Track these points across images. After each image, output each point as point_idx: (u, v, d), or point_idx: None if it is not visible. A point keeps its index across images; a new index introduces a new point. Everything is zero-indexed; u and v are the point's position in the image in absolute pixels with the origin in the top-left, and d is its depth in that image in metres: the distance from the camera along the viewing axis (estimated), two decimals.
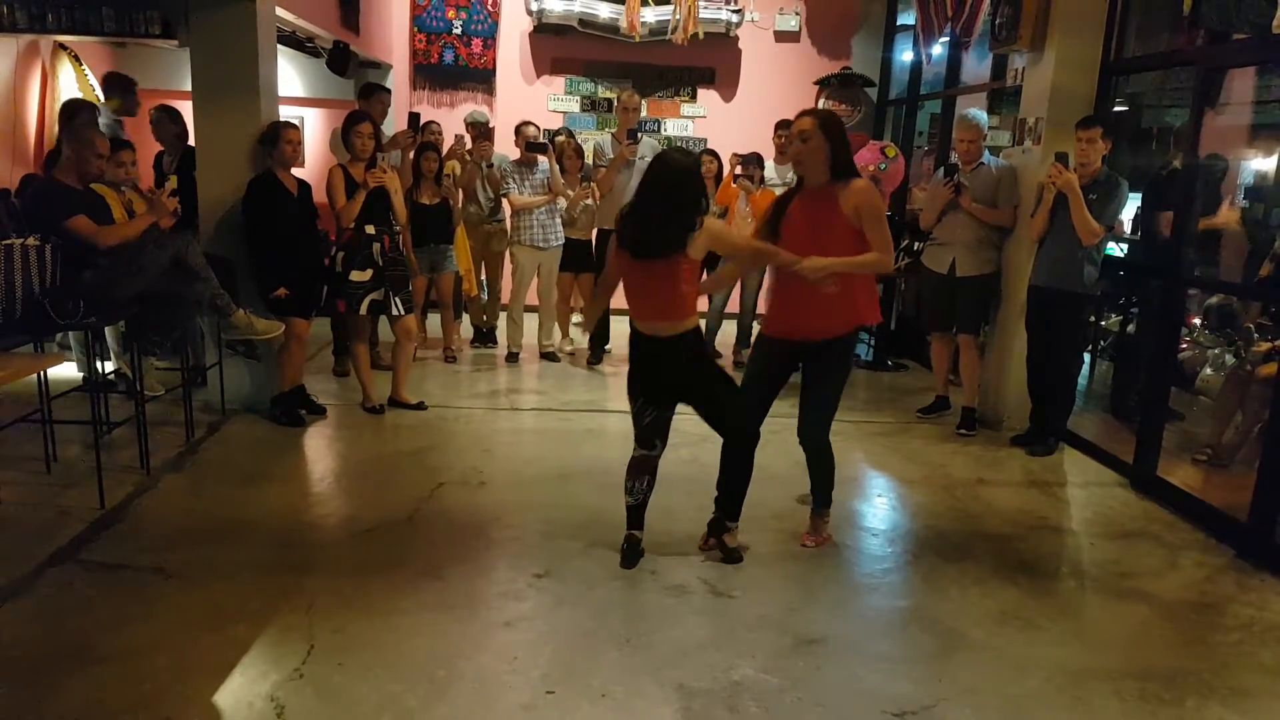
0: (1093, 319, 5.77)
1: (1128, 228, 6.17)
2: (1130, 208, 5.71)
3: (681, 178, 3.09)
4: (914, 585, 3.39)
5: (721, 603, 3.15)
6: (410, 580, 3.19)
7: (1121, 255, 5.64)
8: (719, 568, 3.38)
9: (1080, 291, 4.66)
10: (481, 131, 6.44)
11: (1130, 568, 3.59)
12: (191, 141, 5.33)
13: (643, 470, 3.40)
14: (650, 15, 7.43)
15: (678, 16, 7.39)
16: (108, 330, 4.76)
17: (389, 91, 6.02)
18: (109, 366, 5.00)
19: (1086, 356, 5.95)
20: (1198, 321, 5.88)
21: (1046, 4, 4.89)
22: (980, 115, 5.18)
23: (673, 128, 8.27)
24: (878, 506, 4.19)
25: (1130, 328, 6.00)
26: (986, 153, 5.18)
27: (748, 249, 3.41)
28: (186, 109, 4.83)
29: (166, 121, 5.48)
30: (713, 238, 3.14)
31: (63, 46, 6.61)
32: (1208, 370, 5.50)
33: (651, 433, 3.35)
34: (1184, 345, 5.52)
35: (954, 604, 3.21)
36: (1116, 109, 5.36)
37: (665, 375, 3.25)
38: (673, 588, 3.23)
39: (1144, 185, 5.48)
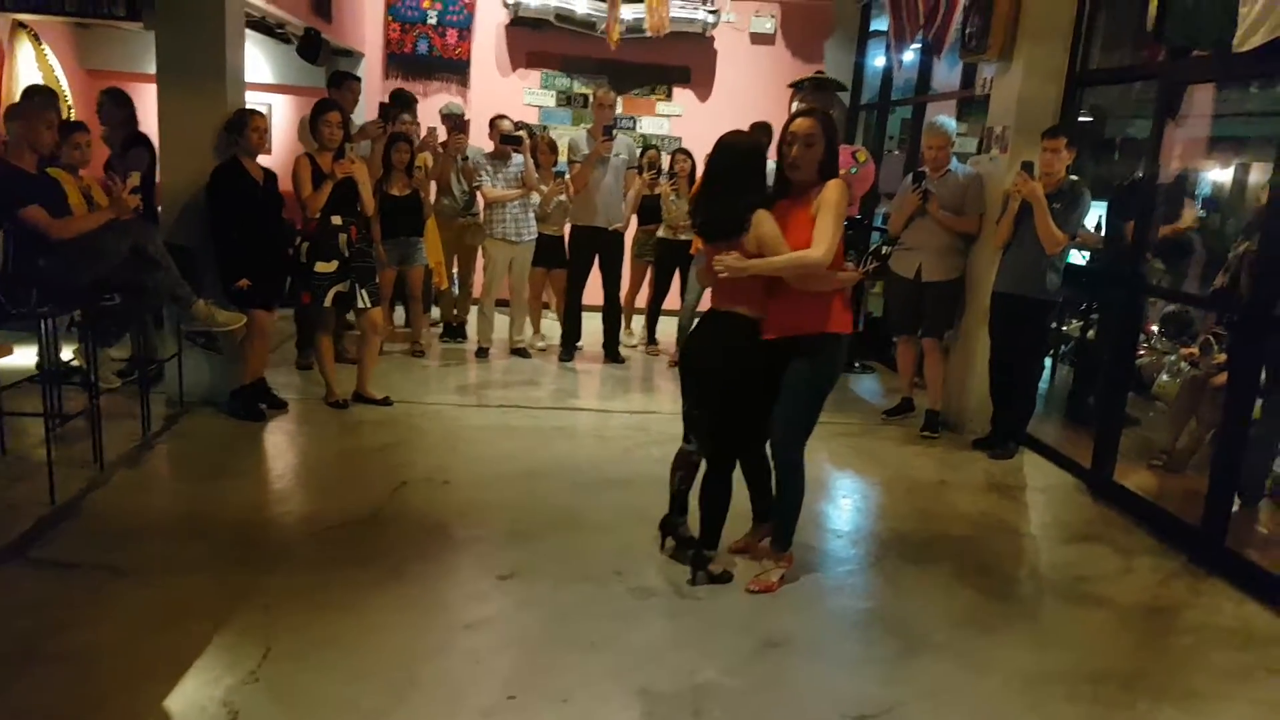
0: (1054, 325, 5.86)
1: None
2: (1094, 216, 5.80)
3: (736, 159, 3.09)
4: (877, 587, 3.42)
5: (686, 604, 3.15)
6: (372, 580, 3.15)
7: (1084, 263, 5.71)
8: (685, 569, 3.34)
9: (1042, 298, 4.73)
10: (457, 124, 6.39)
11: (1086, 571, 3.65)
12: (144, 128, 5.21)
13: (679, 464, 3.37)
14: (627, 13, 7.40)
15: (645, 14, 7.36)
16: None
17: (359, 80, 5.95)
18: (66, 355, 4.89)
19: (1048, 362, 6.05)
20: (1155, 329, 6.01)
21: (1016, 15, 4.95)
22: (949, 123, 5.23)
23: (648, 125, 8.26)
24: (842, 508, 4.22)
25: (1090, 333, 6.10)
26: (954, 160, 5.23)
27: (798, 259, 3.03)
28: (151, 92, 4.72)
29: (110, 105, 5.34)
30: (763, 240, 3.01)
31: (21, 25, 6.44)
32: (1164, 376, 5.63)
33: (689, 424, 3.33)
34: (1141, 352, 5.63)
35: (916, 606, 3.25)
36: (1081, 119, 5.44)
37: (695, 341, 3.25)
38: (638, 589, 3.22)
39: (1110, 196, 5.56)
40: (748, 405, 3.19)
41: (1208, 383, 4.69)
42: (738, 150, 3.11)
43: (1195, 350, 4.98)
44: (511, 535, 3.60)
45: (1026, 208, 4.64)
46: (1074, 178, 4.76)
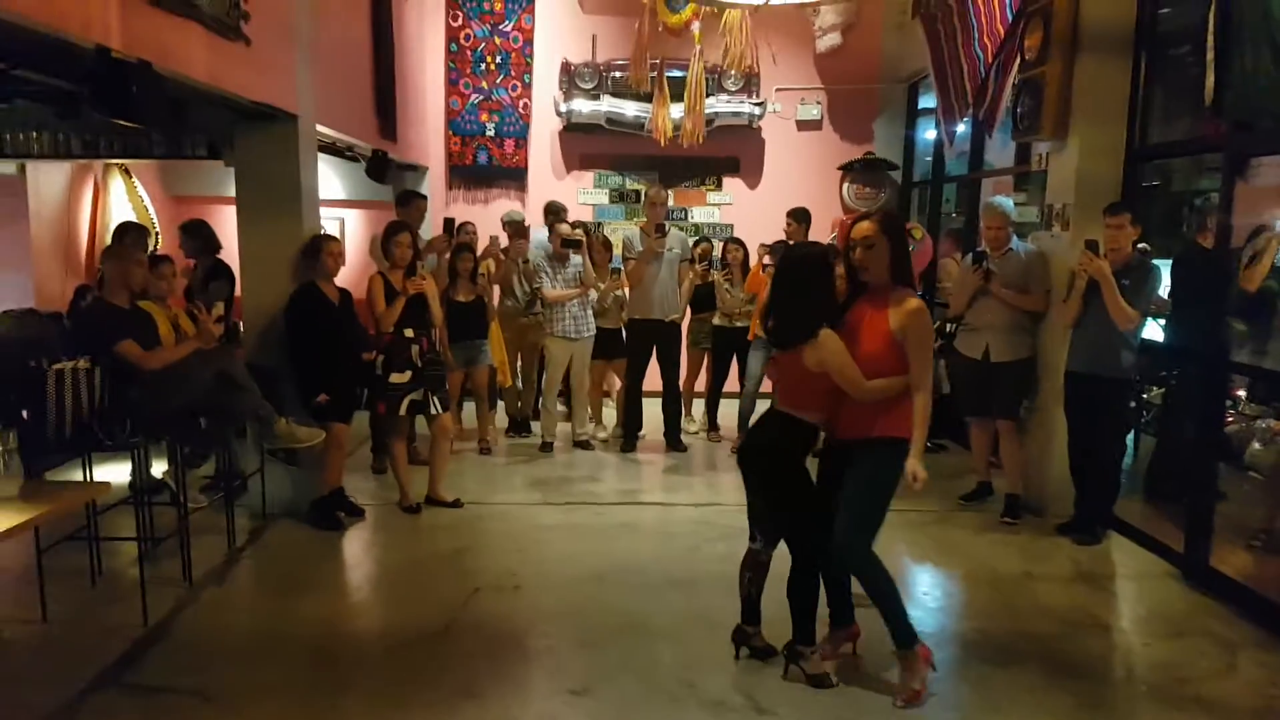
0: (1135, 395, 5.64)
1: None
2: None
3: (797, 268, 3.24)
4: (964, 696, 3.27)
5: None
6: (446, 700, 3.16)
7: (1161, 335, 5.48)
8: (761, 679, 3.29)
9: (1119, 377, 4.60)
10: (518, 230, 6.62)
11: (1187, 671, 3.44)
12: (226, 249, 5.50)
13: (745, 564, 3.39)
14: (675, 111, 7.62)
15: (680, 118, 7.50)
16: None
17: (425, 198, 6.25)
18: (156, 471, 5.10)
19: (1130, 436, 5.81)
20: (1243, 394, 5.73)
21: (1067, 94, 4.94)
22: (1006, 203, 5.21)
23: (699, 215, 8.41)
24: (924, 605, 4.07)
25: (1173, 400, 5.84)
26: (1014, 238, 5.18)
27: (859, 387, 3.09)
28: (233, 214, 5.02)
29: (187, 240, 5.67)
30: (825, 363, 3.07)
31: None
32: (1256, 445, 5.32)
33: (753, 520, 3.38)
34: (1230, 419, 5.35)
35: (1005, 717, 3.10)
36: (1145, 184, 5.32)
37: (753, 443, 3.33)
38: (712, 704, 3.15)
39: (1174, 262, 5.38)
40: (808, 502, 3.22)
41: None
42: (799, 259, 3.29)
43: None
44: (581, 645, 3.58)
45: (1095, 284, 4.55)
46: (1143, 246, 4.66)
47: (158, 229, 7.30)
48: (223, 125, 4.80)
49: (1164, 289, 5.21)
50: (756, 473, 3.29)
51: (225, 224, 5.81)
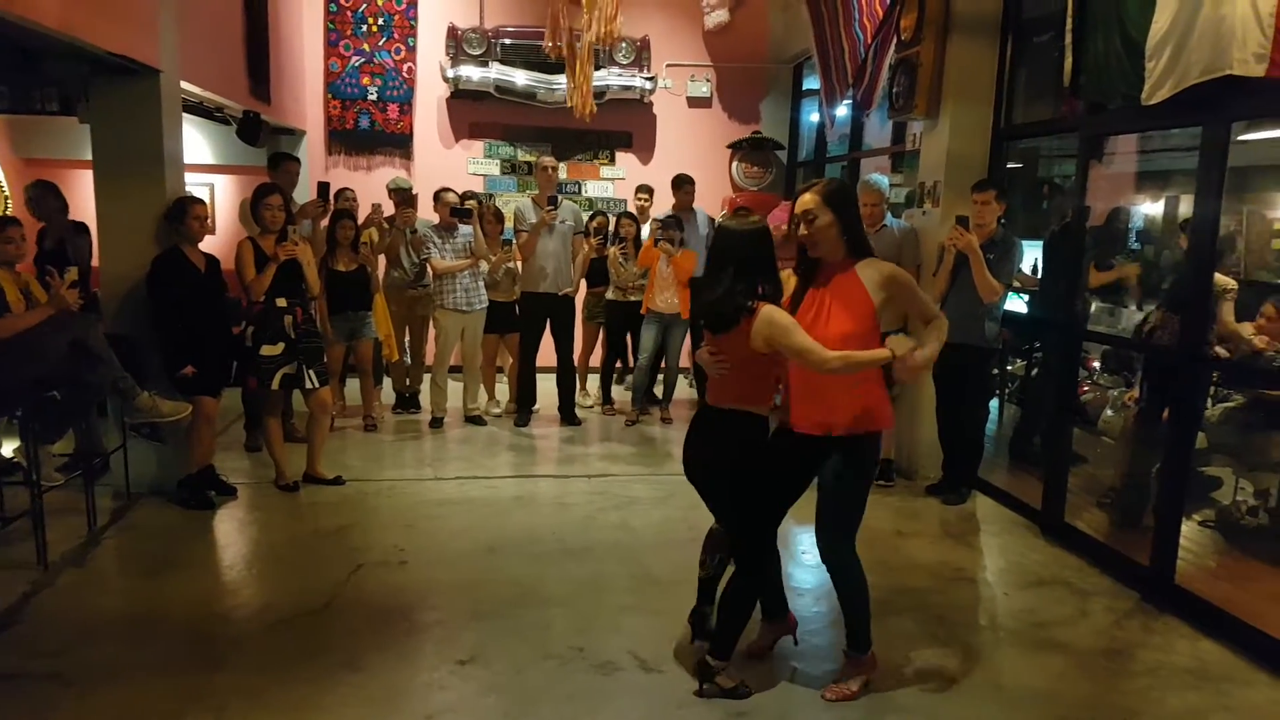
0: (998, 367, 5.98)
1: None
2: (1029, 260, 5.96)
3: (734, 244, 2.86)
4: (840, 648, 3.40)
5: (652, 679, 3.12)
6: (328, 673, 3.08)
7: (1024, 308, 5.84)
8: (649, 640, 3.34)
9: (983, 346, 4.86)
10: (404, 198, 6.43)
11: (1044, 617, 3.70)
12: (77, 216, 5.15)
13: (716, 545, 3.17)
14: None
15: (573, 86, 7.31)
16: None
17: (297, 160, 5.96)
18: (6, 451, 4.75)
19: (995, 404, 6.16)
20: (1097, 365, 6.16)
21: (939, 75, 5.16)
22: (882, 180, 5.40)
23: (593, 189, 8.38)
24: (803, 563, 4.24)
25: (1035, 372, 6.24)
26: (888, 215, 5.39)
27: (820, 358, 2.70)
28: (89, 179, 4.70)
29: (49, 197, 5.30)
30: (773, 331, 2.75)
31: None
32: (1109, 412, 5.74)
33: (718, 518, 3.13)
34: (1085, 388, 5.75)
35: (878, 665, 3.24)
36: (1011, 165, 5.63)
37: (695, 447, 3.00)
38: (602, 665, 3.19)
39: (1044, 238, 5.72)
40: (771, 502, 3.01)
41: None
42: (735, 235, 2.87)
43: (1136, 394, 5.10)
44: (471, 615, 3.55)
45: (962, 259, 4.77)
46: (1003, 222, 4.91)
47: (7, 193, 6.75)
48: (78, 79, 4.46)
49: (1026, 264, 5.54)
50: (714, 484, 2.99)
51: (82, 189, 5.44)
